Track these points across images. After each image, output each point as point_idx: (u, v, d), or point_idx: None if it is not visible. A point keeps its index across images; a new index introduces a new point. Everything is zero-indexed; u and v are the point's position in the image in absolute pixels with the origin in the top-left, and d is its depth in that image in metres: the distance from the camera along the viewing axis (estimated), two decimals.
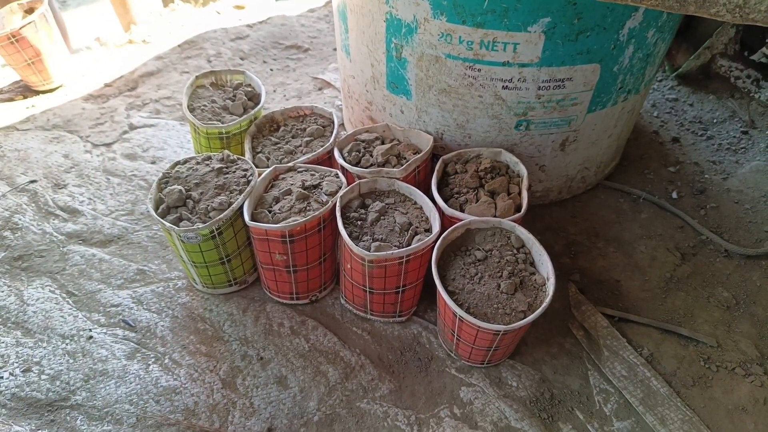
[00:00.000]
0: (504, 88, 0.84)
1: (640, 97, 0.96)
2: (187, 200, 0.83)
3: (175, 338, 0.84)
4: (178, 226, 0.79)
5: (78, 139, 1.25)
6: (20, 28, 1.34)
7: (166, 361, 0.81)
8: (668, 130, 1.19)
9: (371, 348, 0.83)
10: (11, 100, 1.44)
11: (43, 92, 1.45)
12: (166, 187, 0.84)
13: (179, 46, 1.49)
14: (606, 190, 1.09)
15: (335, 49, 1.49)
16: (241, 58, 1.45)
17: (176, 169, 0.87)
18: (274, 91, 1.34)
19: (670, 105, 1.25)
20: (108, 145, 1.23)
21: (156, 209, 0.81)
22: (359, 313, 0.87)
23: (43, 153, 1.22)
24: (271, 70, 1.43)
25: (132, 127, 1.26)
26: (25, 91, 1.47)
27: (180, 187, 0.83)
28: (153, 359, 0.82)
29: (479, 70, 0.83)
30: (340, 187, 0.85)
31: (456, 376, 0.79)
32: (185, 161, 0.88)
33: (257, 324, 0.86)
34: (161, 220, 0.79)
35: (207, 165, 0.87)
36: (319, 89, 1.36)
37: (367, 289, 0.80)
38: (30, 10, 1.44)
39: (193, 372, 0.80)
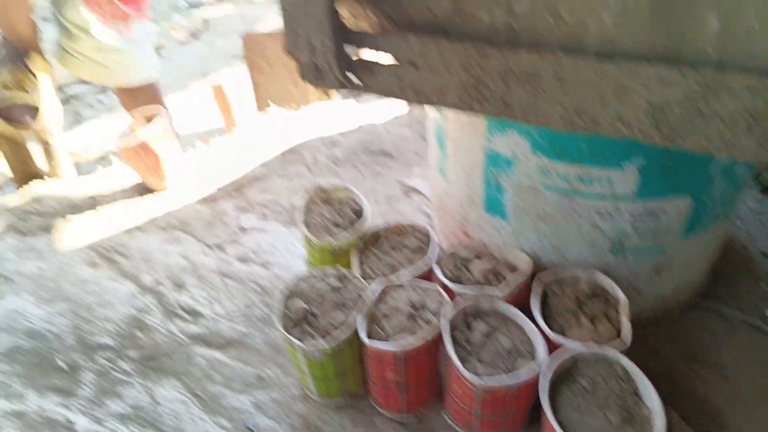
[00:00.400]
0: (600, 217, 0.91)
1: (730, 220, 1.01)
2: (309, 316, 0.92)
3: None
4: (302, 341, 0.87)
5: (194, 241, 1.39)
6: (146, 140, 1.52)
7: None
8: (756, 244, 1.21)
9: None
10: (130, 197, 1.61)
11: (160, 193, 1.62)
12: (289, 302, 0.94)
13: (282, 155, 1.65)
14: (699, 311, 1.10)
15: (417, 154, 1.61)
16: (335, 164, 1.59)
17: (298, 284, 0.97)
18: (365, 195, 1.45)
19: (757, 217, 1.27)
20: (221, 247, 1.36)
21: (281, 324, 0.90)
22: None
23: (163, 253, 1.36)
24: (363, 176, 1.55)
25: (242, 230, 1.39)
26: (143, 191, 1.65)
27: (304, 304, 0.92)
28: None
29: (576, 201, 0.90)
30: (443, 305, 0.92)
31: None
32: (306, 278, 0.98)
33: None
34: (288, 336, 0.88)
35: (324, 281, 0.97)
36: (407, 194, 1.47)
37: (474, 412, 0.85)
38: (149, 118, 1.64)
39: None
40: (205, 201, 1.55)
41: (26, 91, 1.59)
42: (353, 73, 0.84)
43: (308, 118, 1.81)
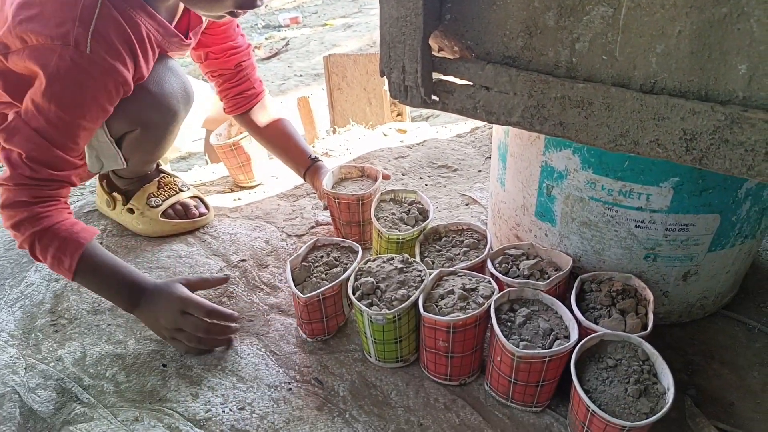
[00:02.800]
0: (636, 226, 1.04)
1: (757, 241, 1.11)
2: (376, 290, 1.09)
3: (354, 399, 1.07)
4: (370, 310, 1.04)
5: (275, 229, 1.60)
6: (240, 140, 1.75)
7: (347, 416, 1.04)
8: None
9: (510, 430, 1.00)
10: (222, 192, 1.85)
11: (246, 188, 1.85)
12: (360, 278, 1.11)
13: (354, 161, 1.85)
14: (723, 318, 1.20)
15: (480, 171, 1.77)
16: (402, 174, 1.77)
17: (368, 264, 1.14)
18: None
19: None
20: (299, 236, 1.55)
21: (354, 294, 1.08)
22: (500, 399, 1.05)
23: (249, 238, 1.57)
24: (426, 185, 1.72)
25: (318, 224, 1.58)
26: (232, 186, 1.88)
27: (372, 279, 1.09)
28: (337, 413, 1.05)
29: (616, 211, 1.04)
30: (493, 292, 1.06)
31: None
32: (374, 259, 1.16)
33: (417, 396, 1.07)
34: (358, 302, 1.05)
35: (391, 264, 1.14)
36: (466, 204, 1.63)
37: (512, 380, 0.99)
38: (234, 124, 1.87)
39: (368, 428, 1.01)
40: (285, 197, 1.76)
41: None
42: (435, 94, 1.02)
43: (382, 134, 2.01)
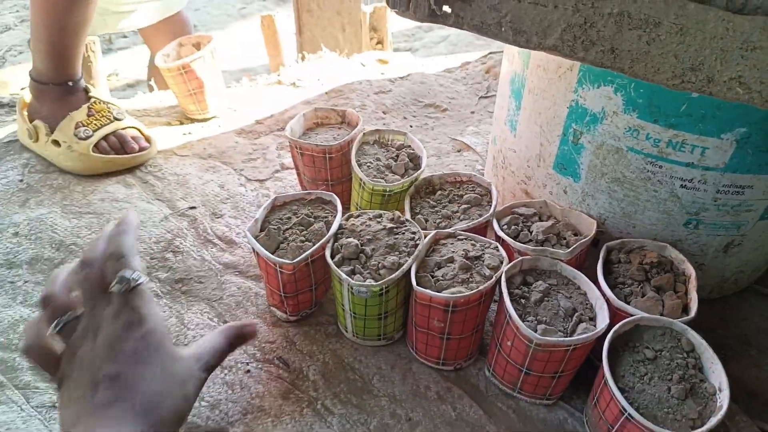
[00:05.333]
0: (682, 186, 0.85)
1: None
2: (360, 255, 0.87)
3: (327, 384, 0.88)
4: (352, 279, 0.83)
5: (232, 172, 1.34)
6: (191, 62, 1.46)
7: (318, 406, 0.84)
8: None
9: (516, 427, 0.83)
10: (169, 124, 1.57)
11: (198, 121, 1.57)
12: (341, 238, 0.89)
13: (326, 93, 1.59)
14: (755, 295, 1.05)
15: (473, 113, 1.54)
16: (384, 112, 1.52)
17: (350, 221, 0.92)
18: None
19: None
20: (261, 181, 1.31)
21: (332, 257, 0.86)
22: (505, 389, 0.87)
23: (200, 180, 1.32)
24: (411, 126, 1.49)
25: (284, 167, 1.34)
26: (181, 117, 1.60)
27: (356, 241, 0.87)
28: (306, 403, 0.85)
29: (660, 167, 0.84)
30: (502, 262, 0.87)
31: None
32: (358, 215, 0.93)
33: (405, 383, 0.88)
34: (338, 270, 0.83)
35: (378, 222, 0.92)
36: (458, 151, 1.41)
37: (524, 370, 0.81)
38: (197, 45, 1.57)
39: (345, 423, 0.82)
40: (245, 133, 1.50)
41: None
42: (447, 3, 0.77)
43: (360, 65, 1.74)
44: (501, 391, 0.88)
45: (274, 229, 0.94)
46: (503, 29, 0.74)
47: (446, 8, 0.77)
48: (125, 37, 3.51)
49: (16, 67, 3.15)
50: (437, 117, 1.52)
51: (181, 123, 1.58)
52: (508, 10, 0.72)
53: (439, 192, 1.05)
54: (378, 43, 1.97)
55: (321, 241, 0.89)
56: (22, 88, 1.41)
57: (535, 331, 0.77)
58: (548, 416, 0.85)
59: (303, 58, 1.78)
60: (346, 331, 0.95)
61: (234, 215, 1.22)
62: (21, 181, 1.31)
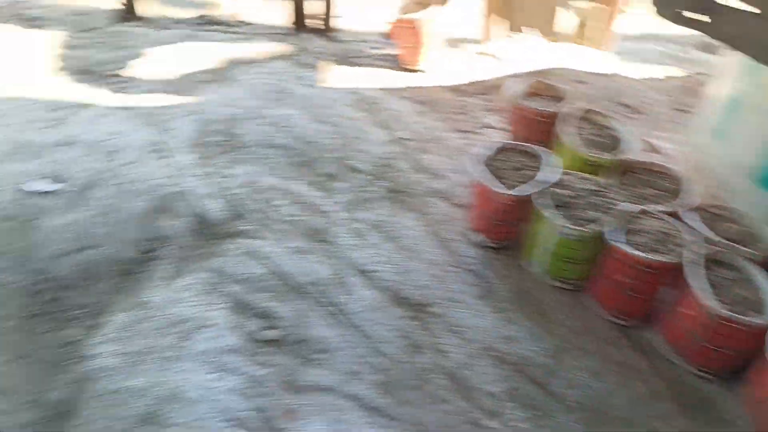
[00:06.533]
0: None
1: None
2: (568, 205, 1.03)
3: (515, 301, 1.06)
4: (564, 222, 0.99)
5: (441, 119, 1.55)
6: (417, 20, 1.68)
7: (509, 315, 1.03)
8: None
9: (674, 387, 0.96)
10: (387, 68, 1.80)
11: (411, 71, 1.79)
12: (555, 188, 1.06)
13: (529, 72, 1.75)
14: None
15: (667, 121, 1.63)
16: (580, 99, 1.65)
17: (564, 176, 1.09)
18: None
19: None
20: (465, 132, 1.51)
21: (549, 203, 1.03)
22: (671, 356, 0.99)
23: (413, 119, 1.53)
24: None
25: (487, 126, 1.52)
26: (397, 65, 1.82)
27: (567, 191, 1.04)
28: (498, 309, 1.04)
29: None
30: (692, 244, 0.99)
31: None
32: (569, 173, 1.10)
33: (581, 321, 1.04)
34: (554, 212, 1.01)
35: (588, 183, 1.08)
36: (647, 150, 1.51)
37: (699, 340, 0.93)
38: (425, 5, 1.78)
39: (529, 334, 1.00)
40: (453, 90, 1.70)
41: None
42: (704, 11, 0.90)
43: (564, 53, 1.87)
44: (666, 356, 0.99)
45: (494, 165, 1.13)
46: (744, 44, 0.85)
47: (702, 16, 0.90)
48: None
49: None
50: (629, 116, 1.62)
51: (396, 70, 1.80)
52: (753, 29, 0.83)
53: (638, 175, 1.18)
54: (584, 38, 2.06)
55: (540, 186, 1.06)
56: None
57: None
58: (703, 387, 0.95)
59: (509, 37, 1.93)
60: (532, 265, 1.12)
61: (440, 153, 1.42)
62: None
